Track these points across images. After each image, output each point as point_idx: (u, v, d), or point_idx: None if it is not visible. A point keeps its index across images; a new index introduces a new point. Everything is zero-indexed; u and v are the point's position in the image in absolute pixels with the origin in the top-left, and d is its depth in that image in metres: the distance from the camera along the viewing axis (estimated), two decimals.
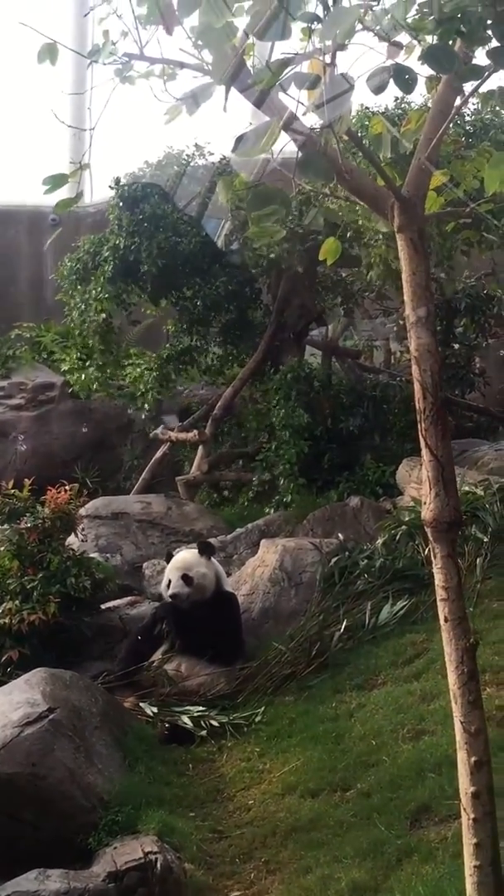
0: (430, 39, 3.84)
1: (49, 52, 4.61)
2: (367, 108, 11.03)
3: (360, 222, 9.75)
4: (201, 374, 14.81)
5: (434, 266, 12.94)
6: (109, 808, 6.04)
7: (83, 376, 14.19)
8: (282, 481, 12.14)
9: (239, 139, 4.01)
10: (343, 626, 8.23)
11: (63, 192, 4.75)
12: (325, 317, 14.03)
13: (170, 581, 8.50)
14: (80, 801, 6.10)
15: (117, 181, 12.68)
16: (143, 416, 15.22)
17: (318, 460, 12.34)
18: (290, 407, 12.19)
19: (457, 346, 14.03)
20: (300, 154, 4.07)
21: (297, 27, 3.96)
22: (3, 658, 8.22)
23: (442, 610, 4.33)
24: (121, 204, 12.57)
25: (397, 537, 9.12)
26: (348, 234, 10.47)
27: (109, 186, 12.73)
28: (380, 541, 9.19)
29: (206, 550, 8.74)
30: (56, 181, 4.55)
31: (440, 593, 4.32)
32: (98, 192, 14.46)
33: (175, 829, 5.79)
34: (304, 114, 4.18)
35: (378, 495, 11.55)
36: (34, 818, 6.01)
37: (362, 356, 15.13)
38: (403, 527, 9.23)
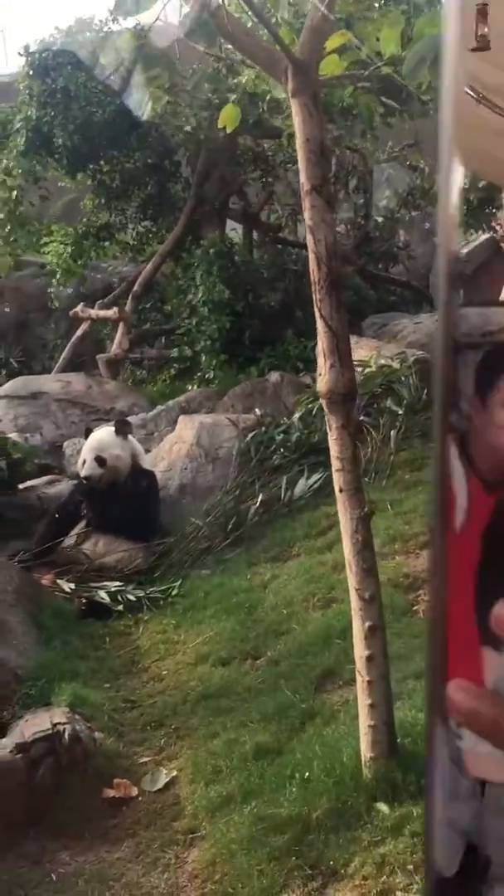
0: None
1: None
2: None
3: (272, 91, 9.50)
4: (122, 251, 14.56)
5: (359, 136, 12.75)
6: (24, 682, 6.07)
7: (1, 253, 13.85)
8: (203, 358, 12.09)
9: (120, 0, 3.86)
10: (259, 500, 8.29)
11: None
12: (246, 189, 13.79)
13: (84, 462, 8.45)
14: None
15: (27, 49, 12.20)
16: (66, 295, 15.00)
17: (239, 336, 12.28)
18: (211, 282, 12.06)
19: (380, 219, 13.90)
20: (184, 14, 3.93)
21: None
22: None
23: (337, 480, 4.36)
24: (31, 73, 12.14)
25: (314, 411, 9.13)
26: (265, 104, 10.25)
27: (19, 54, 12.28)
28: (296, 415, 9.20)
29: (122, 429, 8.66)
30: None
31: (335, 464, 4.34)
32: (14, 60, 13.93)
33: (87, 700, 5.86)
34: None
35: (299, 370, 11.54)
36: None
37: (285, 230, 14.96)
38: (321, 400, 9.20)
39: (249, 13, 5.96)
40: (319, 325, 4.32)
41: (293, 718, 5.35)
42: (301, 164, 4.34)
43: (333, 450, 4.36)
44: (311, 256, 4.32)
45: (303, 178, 4.33)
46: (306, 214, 4.34)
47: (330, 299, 4.29)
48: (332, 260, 4.28)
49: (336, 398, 4.29)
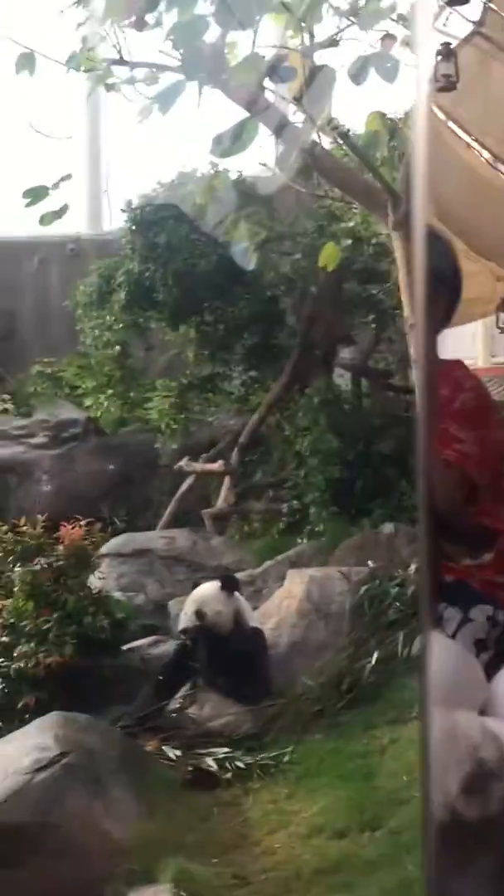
0: None
1: (26, 62, 4.66)
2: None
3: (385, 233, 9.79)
4: (228, 402, 14.82)
5: None
6: (127, 856, 5.98)
7: (103, 409, 14.26)
8: (312, 510, 12.11)
9: (216, 139, 4.02)
10: (375, 659, 8.15)
11: (79, 217, 4.76)
12: (354, 336, 14.01)
13: (185, 614, 8.49)
14: (96, 850, 6.04)
15: (129, 204, 12.78)
16: (171, 450, 15.26)
17: (350, 487, 12.28)
18: (319, 431, 12.18)
19: None
20: (279, 149, 4.09)
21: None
22: (20, 705, 8.16)
23: None
24: (133, 228, 12.67)
25: None
26: (370, 247, 10.51)
27: (121, 210, 12.86)
28: (412, 567, 9.10)
29: (228, 585, 8.69)
30: (36, 194, 4.58)
31: None
32: (118, 218, 14.57)
33: (194, 877, 5.72)
34: (295, 113, 4.21)
35: (415, 521, 11.46)
36: (47, 868, 5.96)
37: (395, 376, 15.08)
38: None
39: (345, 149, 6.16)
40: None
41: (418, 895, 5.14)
42: (405, 300, 4.42)
43: None
44: (418, 392, 4.35)
45: (407, 312, 4.41)
46: (412, 350, 4.39)
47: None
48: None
49: None
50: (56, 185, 4.67)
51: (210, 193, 6.72)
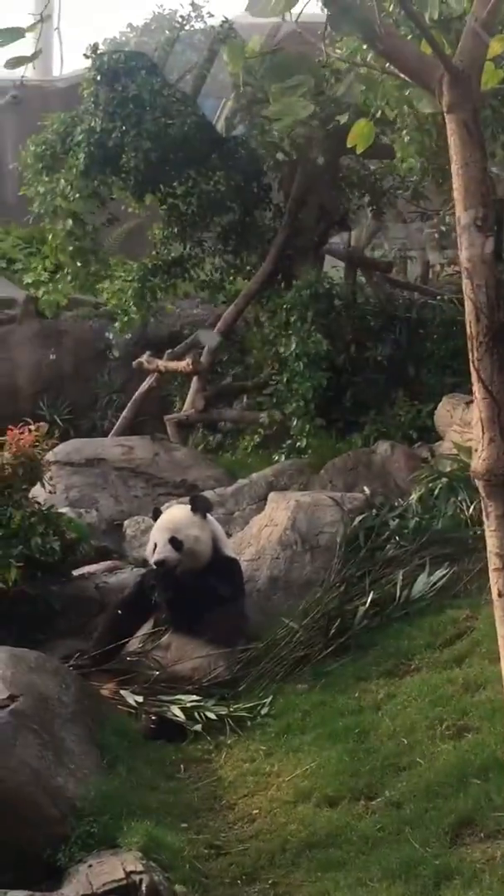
0: None
1: None
2: None
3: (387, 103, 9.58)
4: (196, 290, 14.67)
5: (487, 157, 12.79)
6: (83, 817, 6.02)
7: (52, 290, 14.03)
8: (294, 422, 12.10)
9: None
10: (369, 600, 8.21)
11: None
12: (350, 220, 13.86)
13: (155, 545, 8.42)
14: (48, 808, 6.07)
15: (94, 49, 12.46)
16: (125, 341, 15.14)
17: (339, 397, 12.27)
18: (306, 331, 12.09)
19: None
20: (331, 5, 3.98)
21: None
22: None
23: (495, 582, 4.30)
24: (98, 78, 12.37)
25: (436, 492, 9.09)
26: (376, 117, 10.33)
27: (85, 55, 12.54)
28: (414, 496, 9.16)
29: (200, 507, 8.65)
30: (9, 35, 4.38)
31: (494, 561, 4.28)
32: (71, 63, 14.22)
33: (163, 844, 5.78)
34: None
35: (412, 440, 11.51)
36: None
37: (394, 269, 14.99)
38: (444, 479, 9.19)
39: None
40: (477, 389, 4.28)
41: (425, 878, 5.23)
42: (457, 194, 4.35)
43: (491, 543, 4.29)
44: (469, 305, 4.30)
45: (459, 210, 4.34)
46: (462, 255, 4.33)
47: (491, 358, 4.25)
48: (496, 311, 4.25)
49: (497, 480, 4.23)
50: (33, 28, 4.49)
51: (237, 58, 6.51)
